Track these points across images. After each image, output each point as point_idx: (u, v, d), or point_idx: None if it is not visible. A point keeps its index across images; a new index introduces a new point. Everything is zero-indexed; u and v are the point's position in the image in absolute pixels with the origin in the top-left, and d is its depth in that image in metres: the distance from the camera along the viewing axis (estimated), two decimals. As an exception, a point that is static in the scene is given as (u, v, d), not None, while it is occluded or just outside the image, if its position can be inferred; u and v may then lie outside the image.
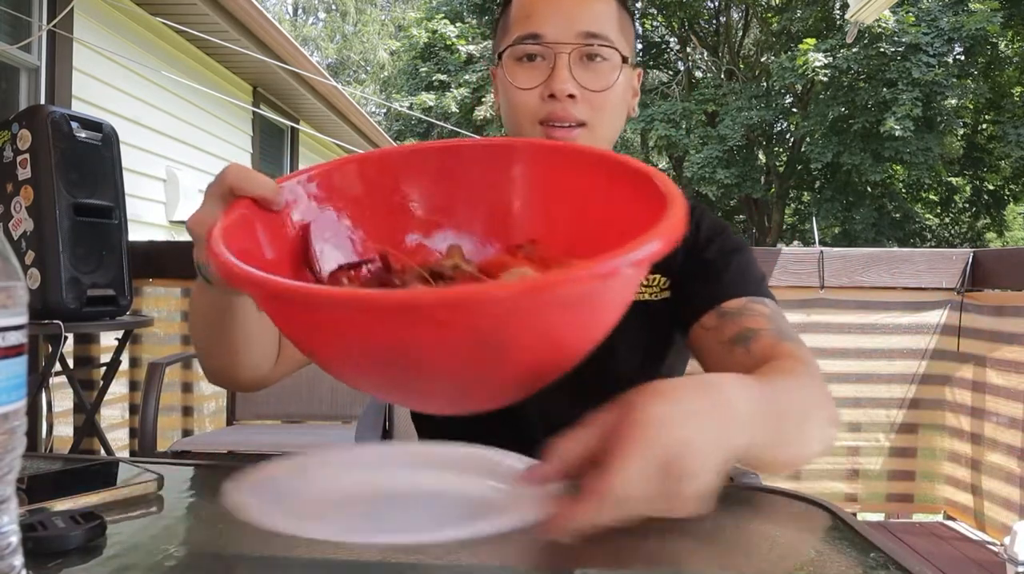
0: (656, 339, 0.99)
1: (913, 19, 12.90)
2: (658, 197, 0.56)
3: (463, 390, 0.52)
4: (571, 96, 0.91)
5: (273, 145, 7.22)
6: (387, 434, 1.53)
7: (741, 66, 16.61)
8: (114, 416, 2.93)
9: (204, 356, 0.86)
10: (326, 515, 0.56)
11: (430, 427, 1.13)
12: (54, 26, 3.75)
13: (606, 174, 0.65)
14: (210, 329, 0.81)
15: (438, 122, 13.02)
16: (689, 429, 0.48)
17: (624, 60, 0.94)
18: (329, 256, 0.64)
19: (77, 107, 3.90)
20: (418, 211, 0.69)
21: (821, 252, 2.71)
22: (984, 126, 14.87)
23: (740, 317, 0.85)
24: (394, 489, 0.61)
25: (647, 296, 0.98)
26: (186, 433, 2.91)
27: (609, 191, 0.64)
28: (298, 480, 0.60)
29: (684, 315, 0.93)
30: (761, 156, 15.84)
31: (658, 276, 0.97)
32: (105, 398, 2.69)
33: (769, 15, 16.35)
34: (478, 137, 0.77)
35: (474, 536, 0.47)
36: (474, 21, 16.46)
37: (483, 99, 14.51)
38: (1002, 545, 2.16)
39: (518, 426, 0.94)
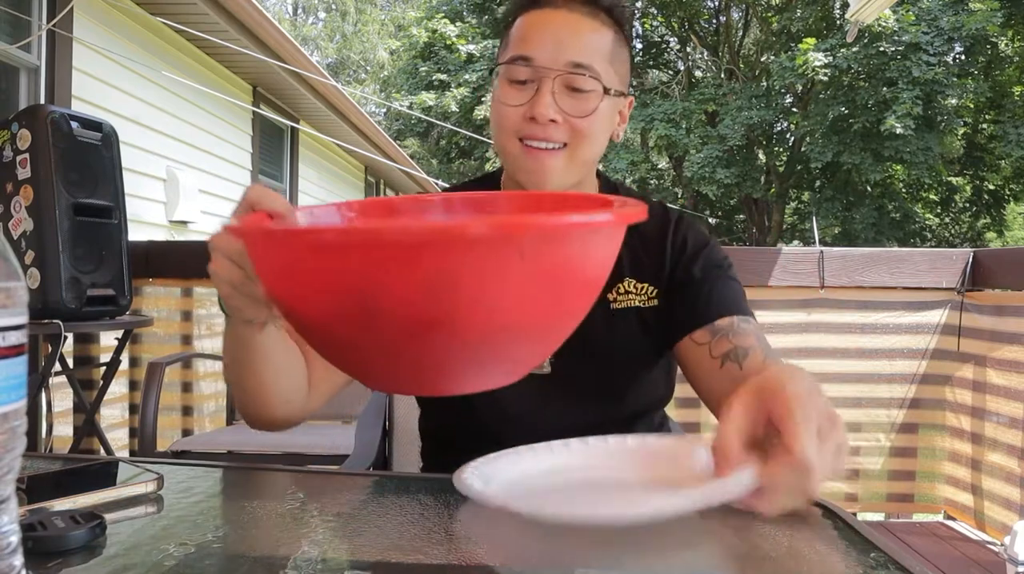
0: (649, 344, 1.03)
1: (913, 18, 12.90)
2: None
3: (420, 354, 0.52)
4: (552, 120, 0.95)
5: (273, 144, 7.22)
6: (387, 434, 1.52)
7: (741, 66, 16.61)
8: (114, 416, 2.93)
9: (239, 398, 0.89)
10: (554, 498, 0.59)
11: (436, 433, 1.13)
12: (54, 25, 3.75)
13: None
14: (238, 367, 0.83)
15: (438, 122, 13.02)
16: (824, 399, 0.58)
17: (607, 91, 0.97)
18: None
19: (77, 107, 3.90)
20: None
21: (821, 252, 2.71)
22: (984, 126, 14.86)
23: (731, 335, 0.92)
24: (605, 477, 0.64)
25: (637, 303, 1.02)
26: (186, 433, 2.91)
27: None
28: (519, 468, 0.64)
29: (675, 327, 0.98)
30: (761, 156, 15.83)
31: (647, 285, 1.01)
32: (105, 398, 2.69)
33: (769, 14, 16.35)
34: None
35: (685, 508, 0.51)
36: (474, 21, 16.45)
37: (483, 99, 14.51)
38: (1002, 545, 2.16)
39: (528, 431, 0.97)
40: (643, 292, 1.02)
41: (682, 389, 1.06)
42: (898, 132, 12.62)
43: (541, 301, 0.51)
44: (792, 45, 14.59)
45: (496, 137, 1.02)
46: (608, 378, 1.01)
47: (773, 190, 15.98)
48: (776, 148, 16.52)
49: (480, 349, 0.52)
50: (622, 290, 1.03)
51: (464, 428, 1.01)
